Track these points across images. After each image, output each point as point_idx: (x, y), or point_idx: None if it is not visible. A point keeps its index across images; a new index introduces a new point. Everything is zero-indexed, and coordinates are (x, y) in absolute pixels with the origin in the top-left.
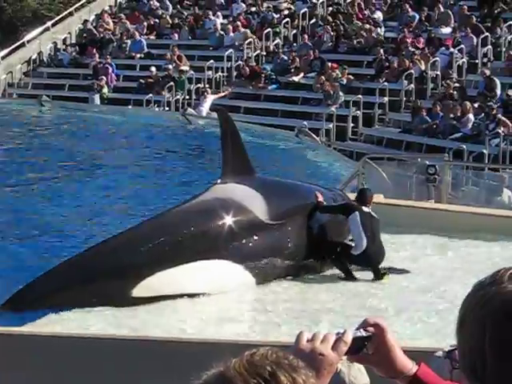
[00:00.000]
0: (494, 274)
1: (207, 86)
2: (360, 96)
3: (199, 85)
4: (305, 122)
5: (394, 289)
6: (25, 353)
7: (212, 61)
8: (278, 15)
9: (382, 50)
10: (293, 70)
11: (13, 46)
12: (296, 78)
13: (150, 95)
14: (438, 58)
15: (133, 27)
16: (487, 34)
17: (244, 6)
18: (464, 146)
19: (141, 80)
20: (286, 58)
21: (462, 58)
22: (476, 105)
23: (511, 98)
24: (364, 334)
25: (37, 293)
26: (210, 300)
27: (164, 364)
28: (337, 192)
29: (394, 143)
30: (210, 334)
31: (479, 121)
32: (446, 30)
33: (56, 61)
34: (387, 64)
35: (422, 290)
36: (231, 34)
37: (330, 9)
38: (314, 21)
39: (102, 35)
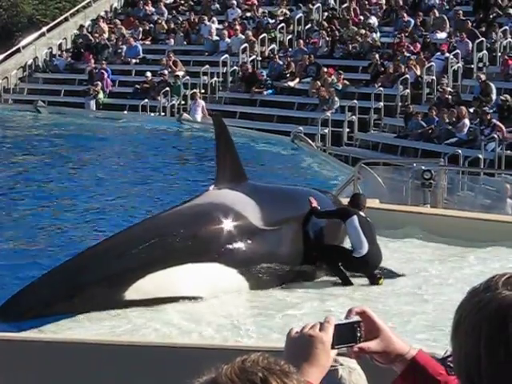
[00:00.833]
0: (488, 280)
1: (202, 91)
2: (355, 101)
3: (195, 90)
4: (300, 127)
5: (389, 293)
6: (17, 359)
7: (207, 66)
8: (274, 20)
9: (377, 55)
10: (288, 76)
11: (8, 52)
12: (291, 84)
13: (146, 100)
14: (433, 63)
15: (128, 32)
16: (482, 38)
17: (239, 11)
18: (459, 151)
19: (136, 85)
20: (281, 63)
21: (458, 62)
22: (471, 110)
23: (507, 103)
24: (351, 320)
25: (28, 300)
26: (201, 304)
27: (155, 370)
28: (328, 195)
29: (389, 148)
30: (199, 339)
31: (475, 126)
32: (442, 35)
33: (51, 66)
34: (383, 69)
35: (415, 294)
36: (227, 40)
37: (326, 14)
38: (309, 26)
39: (97, 41)
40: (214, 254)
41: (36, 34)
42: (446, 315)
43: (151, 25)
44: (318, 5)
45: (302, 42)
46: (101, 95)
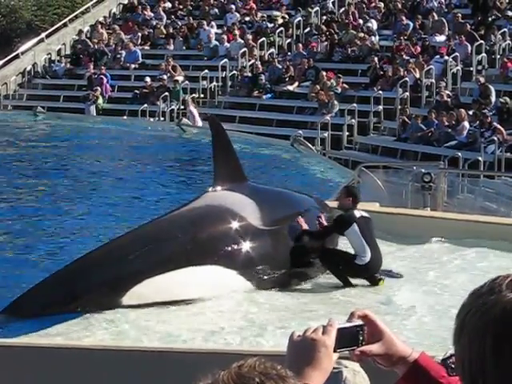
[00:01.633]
0: (491, 282)
1: (202, 95)
2: (355, 104)
3: (194, 95)
4: (300, 131)
5: (388, 296)
6: (14, 364)
7: (206, 70)
8: (273, 24)
9: (376, 59)
10: (287, 79)
11: (7, 58)
12: (291, 87)
13: (145, 105)
14: (432, 66)
15: (127, 38)
16: (481, 41)
17: (238, 15)
18: (459, 154)
19: (135, 90)
20: (280, 67)
21: (457, 65)
22: (471, 112)
23: (506, 106)
24: (354, 324)
25: (27, 305)
26: (199, 308)
27: (151, 375)
28: (319, 199)
29: (389, 151)
30: (197, 344)
31: (474, 128)
32: (441, 38)
33: (51, 72)
34: (382, 72)
35: (415, 297)
36: (226, 44)
37: (325, 18)
38: (308, 30)
39: (96, 46)
40: (213, 256)
41: (35, 40)
42: (445, 316)
43: (150, 30)
44: (317, 8)
45: (300, 45)
46: (100, 100)
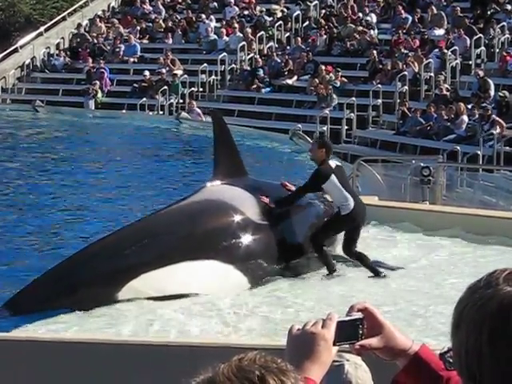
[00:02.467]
0: (488, 275)
1: (201, 89)
2: (354, 98)
3: (193, 88)
4: (299, 125)
5: (386, 289)
6: (10, 358)
7: (205, 64)
8: (271, 18)
9: (375, 52)
10: (286, 73)
11: (6, 52)
12: (290, 81)
13: (144, 99)
14: (431, 60)
15: (126, 31)
16: (480, 35)
17: (237, 9)
18: (458, 148)
19: (134, 84)
20: (279, 60)
21: (456, 59)
22: (470, 106)
23: (505, 99)
24: (353, 317)
25: (25, 300)
26: (197, 301)
27: (151, 369)
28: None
29: (388, 145)
30: (195, 337)
31: (473, 122)
32: (439, 32)
33: (49, 66)
34: (381, 66)
35: (413, 291)
36: (225, 38)
37: (323, 11)
38: (307, 23)
39: (95, 40)
40: (210, 251)
41: (34, 34)
42: (443, 310)
43: (149, 23)
44: (316, 2)
45: (299, 39)
46: (99, 94)
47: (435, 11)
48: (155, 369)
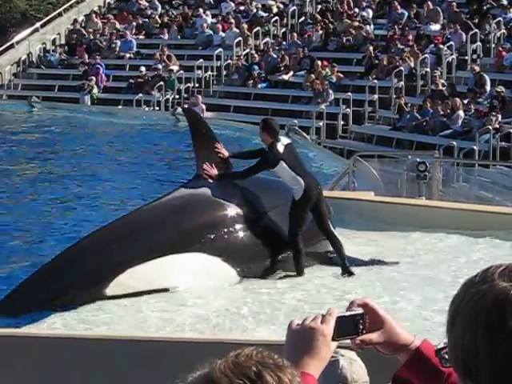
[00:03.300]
0: (483, 271)
1: (197, 85)
2: (350, 94)
3: (189, 84)
4: (295, 121)
5: (384, 283)
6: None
7: (201, 60)
8: (267, 14)
9: (371, 48)
10: (282, 69)
11: (2, 48)
12: (286, 77)
13: (140, 95)
14: (427, 55)
15: (122, 27)
16: (476, 30)
17: (233, 4)
18: (454, 143)
19: (130, 80)
20: (275, 56)
21: (452, 54)
22: (466, 101)
23: (501, 94)
24: (353, 312)
25: (17, 299)
26: (188, 296)
27: (148, 365)
28: None
29: (384, 140)
30: (191, 333)
31: (469, 117)
32: (435, 27)
33: (45, 62)
34: (377, 61)
35: (411, 286)
36: (221, 33)
37: (319, 7)
38: (303, 19)
39: (91, 36)
40: (195, 243)
41: (30, 30)
42: (441, 305)
43: (145, 19)
44: None
45: (295, 35)
46: (95, 90)
47: (431, 6)
48: (152, 365)
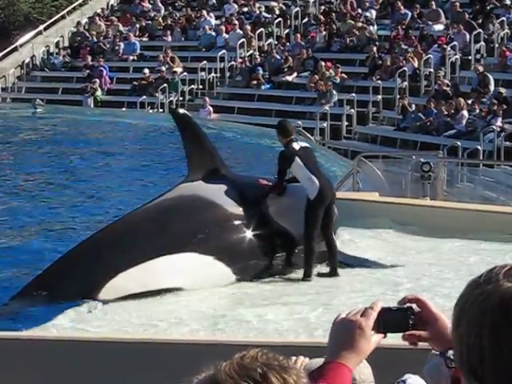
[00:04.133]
0: (488, 271)
1: (201, 87)
2: (354, 94)
3: (192, 86)
4: (299, 122)
5: (389, 284)
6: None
7: (205, 62)
8: (271, 15)
9: (374, 48)
10: (286, 70)
11: (5, 51)
12: (289, 78)
13: (144, 97)
14: (431, 55)
15: (125, 29)
16: (480, 30)
17: (236, 6)
18: (458, 143)
19: (134, 82)
20: (278, 57)
21: (455, 54)
22: (470, 101)
23: (502, 95)
24: (403, 306)
25: (20, 301)
26: (192, 297)
27: (152, 367)
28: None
29: (388, 141)
30: (195, 335)
31: (474, 117)
32: (439, 27)
33: (49, 64)
34: (380, 62)
35: (414, 286)
36: (224, 35)
37: (323, 8)
38: (306, 20)
39: (94, 38)
40: (188, 243)
41: (33, 33)
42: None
43: (148, 21)
44: None
45: (299, 36)
46: (99, 92)
47: (434, 7)
48: (157, 367)
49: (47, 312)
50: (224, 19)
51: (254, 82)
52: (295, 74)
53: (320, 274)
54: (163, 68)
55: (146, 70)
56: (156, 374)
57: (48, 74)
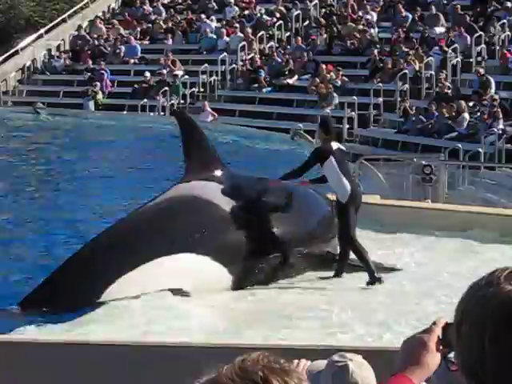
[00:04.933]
0: (489, 274)
1: (202, 90)
2: (355, 97)
3: (194, 89)
4: (300, 124)
5: (389, 289)
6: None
7: (206, 65)
8: (271, 18)
9: (375, 51)
10: (287, 73)
11: (6, 54)
12: (290, 81)
13: (145, 100)
14: (431, 58)
15: (126, 32)
16: (481, 32)
17: (237, 9)
18: (459, 146)
19: (135, 85)
20: (279, 60)
21: (456, 57)
22: (471, 104)
23: (502, 102)
24: None
25: (28, 305)
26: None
27: (153, 370)
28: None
29: (389, 144)
30: (197, 338)
31: (475, 120)
32: (440, 30)
33: (50, 68)
34: (381, 65)
35: (417, 290)
36: (225, 38)
37: (323, 10)
38: (307, 23)
39: (95, 41)
40: (184, 244)
41: (34, 36)
42: (446, 309)
43: (149, 24)
44: (316, 1)
45: (300, 39)
46: (100, 96)
47: (435, 9)
48: (158, 370)
49: (48, 317)
50: (225, 22)
51: (256, 85)
52: (296, 77)
53: (322, 278)
54: (164, 71)
55: (147, 73)
56: (157, 378)
57: (49, 77)
